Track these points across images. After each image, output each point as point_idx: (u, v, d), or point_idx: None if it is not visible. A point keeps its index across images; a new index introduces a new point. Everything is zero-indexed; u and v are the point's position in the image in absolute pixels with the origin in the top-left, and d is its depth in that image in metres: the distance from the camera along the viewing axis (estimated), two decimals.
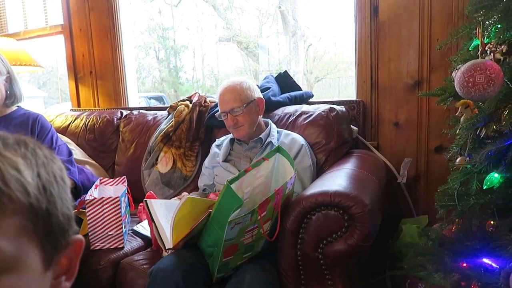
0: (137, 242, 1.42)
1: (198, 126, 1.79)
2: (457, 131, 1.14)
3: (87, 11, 2.39)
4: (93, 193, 1.38)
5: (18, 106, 1.55)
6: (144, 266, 1.26)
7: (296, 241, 1.05)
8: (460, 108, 1.08)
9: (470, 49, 1.14)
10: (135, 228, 1.49)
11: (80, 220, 1.26)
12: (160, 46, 9.85)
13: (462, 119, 1.08)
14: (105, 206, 1.31)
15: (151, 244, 1.43)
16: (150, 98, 6.15)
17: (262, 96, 1.50)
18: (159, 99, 6.46)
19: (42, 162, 0.38)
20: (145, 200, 1.18)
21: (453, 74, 1.13)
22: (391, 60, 1.75)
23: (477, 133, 1.04)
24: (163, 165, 1.78)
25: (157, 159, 1.81)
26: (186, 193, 1.38)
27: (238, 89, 1.41)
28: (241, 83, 1.43)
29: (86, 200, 1.29)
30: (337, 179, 1.16)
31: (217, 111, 1.75)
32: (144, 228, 1.49)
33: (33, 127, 1.49)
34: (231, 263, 1.09)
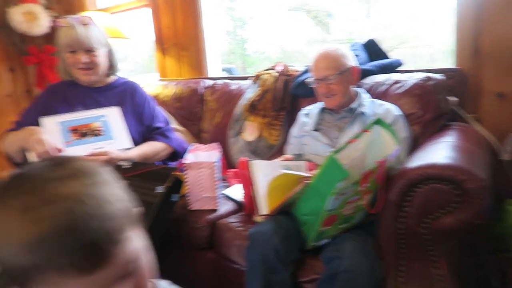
0: (229, 206, 1.50)
1: (283, 95, 1.79)
2: None
3: None
4: (189, 157, 1.46)
5: (116, 75, 1.66)
6: (239, 228, 1.33)
7: (399, 214, 1.02)
8: None
9: None
10: (225, 192, 1.56)
11: (180, 182, 1.34)
12: (228, 17, 9.87)
13: None
14: (201, 170, 1.38)
15: (241, 208, 1.50)
16: (222, 70, 6.24)
17: (357, 65, 1.44)
18: (229, 71, 6.53)
19: None
20: (249, 161, 1.22)
21: None
22: (498, 22, 1.56)
23: None
24: (249, 134, 1.82)
25: (243, 128, 1.86)
26: (290, 156, 1.40)
27: (333, 56, 1.37)
28: (336, 50, 1.39)
29: (184, 163, 1.38)
30: (443, 151, 1.09)
31: (304, 79, 1.72)
32: (234, 192, 1.56)
33: (132, 95, 1.60)
34: (328, 233, 1.11)
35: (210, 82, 2.18)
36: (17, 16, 2.65)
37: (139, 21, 3.05)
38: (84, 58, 1.43)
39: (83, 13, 1.84)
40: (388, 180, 1.06)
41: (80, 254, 0.40)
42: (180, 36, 2.53)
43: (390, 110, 1.41)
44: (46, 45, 2.96)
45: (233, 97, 1.99)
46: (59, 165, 0.45)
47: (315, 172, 1.22)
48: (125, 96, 1.59)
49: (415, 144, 1.43)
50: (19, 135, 1.37)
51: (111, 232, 0.42)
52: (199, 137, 2.09)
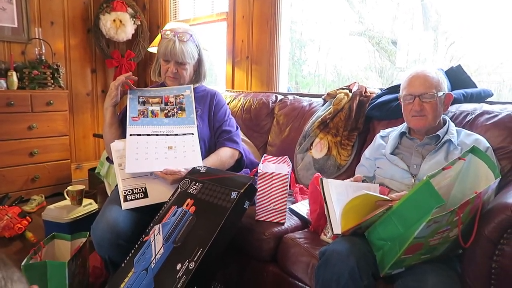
0: (294, 221, 1.47)
1: (357, 116, 1.75)
2: None
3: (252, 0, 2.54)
4: (260, 167, 1.47)
5: (201, 83, 1.73)
6: (306, 245, 1.29)
7: (494, 252, 0.93)
8: None
9: None
10: (291, 207, 1.54)
11: (254, 190, 1.33)
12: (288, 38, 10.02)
13: None
14: (274, 181, 1.38)
15: (307, 224, 1.47)
16: None
17: (450, 93, 1.38)
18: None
19: None
20: (321, 179, 1.20)
21: None
22: None
23: None
24: (318, 151, 1.80)
25: (311, 144, 1.84)
26: (360, 176, 1.35)
27: (434, 76, 1.33)
28: (436, 72, 1.34)
29: (259, 172, 1.38)
30: None
31: (383, 101, 1.68)
32: (299, 208, 1.54)
33: (211, 100, 1.66)
34: (407, 261, 1.04)
35: (280, 97, 2.20)
36: (107, 23, 2.89)
37: (210, 34, 3.18)
38: (174, 69, 1.55)
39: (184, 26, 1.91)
40: (482, 214, 0.98)
41: None
42: (253, 51, 2.59)
43: (480, 141, 1.32)
44: (128, 50, 3.18)
45: (303, 113, 1.98)
46: None
47: (395, 195, 1.17)
48: (204, 100, 1.66)
49: (503, 179, 1.33)
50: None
51: None
52: (264, 150, 2.10)
